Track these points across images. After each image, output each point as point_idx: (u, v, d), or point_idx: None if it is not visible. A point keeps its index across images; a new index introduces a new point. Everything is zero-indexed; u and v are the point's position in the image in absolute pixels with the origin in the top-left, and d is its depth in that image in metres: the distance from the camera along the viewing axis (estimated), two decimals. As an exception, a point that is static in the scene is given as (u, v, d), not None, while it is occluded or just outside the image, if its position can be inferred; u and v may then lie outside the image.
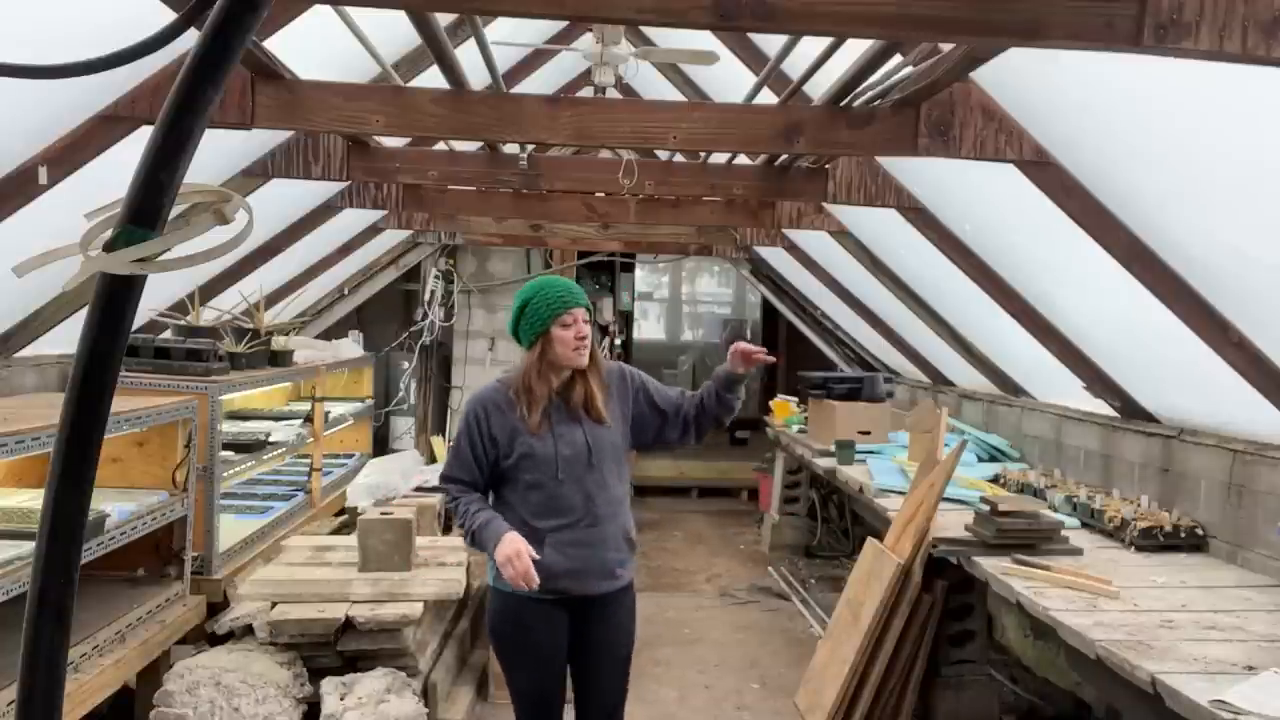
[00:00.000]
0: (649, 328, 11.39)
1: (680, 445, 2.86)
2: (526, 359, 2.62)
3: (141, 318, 4.57)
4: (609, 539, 2.65)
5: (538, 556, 2.48)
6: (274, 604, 3.87)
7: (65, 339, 4.07)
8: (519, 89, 5.34)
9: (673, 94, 5.81)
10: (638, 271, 10.53)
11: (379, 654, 3.76)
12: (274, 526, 4.95)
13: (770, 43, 3.98)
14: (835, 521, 7.31)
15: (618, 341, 9.55)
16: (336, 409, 6.26)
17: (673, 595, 6.18)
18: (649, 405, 2.78)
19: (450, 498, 2.67)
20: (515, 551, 2.45)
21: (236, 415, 5.48)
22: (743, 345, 2.75)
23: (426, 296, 8.43)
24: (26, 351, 4.02)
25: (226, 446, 4.53)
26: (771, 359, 2.81)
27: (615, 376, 2.76)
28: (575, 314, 2.59)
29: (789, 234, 6.38)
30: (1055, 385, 4.60)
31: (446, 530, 6.62)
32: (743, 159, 4.67)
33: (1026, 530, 3.49)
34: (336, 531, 5.48)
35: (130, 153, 2.00)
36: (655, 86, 6.13)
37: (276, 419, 5.59)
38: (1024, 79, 2.83)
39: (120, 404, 3.40)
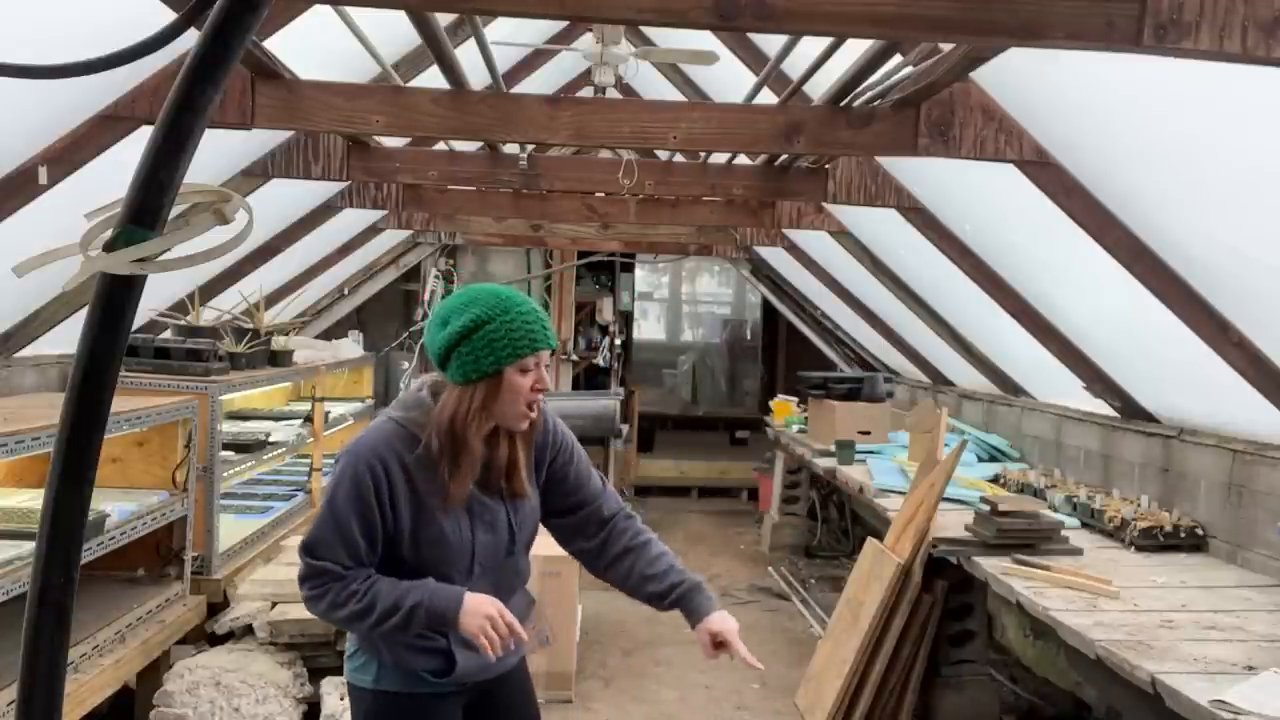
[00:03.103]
0: (649, 328, 11.38)
1: (562, 547, 2.17)
2: (457, 400, 1.86)
3: (141, 318, 4.57)
4: (517, 616, 1.97)
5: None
6: (274, 604, 3.88)
7: (65, 339, 4.07)
8: (519, 89, 5.34)
9: (673, 94, 5.81)
10: (638, 271, 10.52)
11: (379, 654, 3.76)
12: (274, 526, 4.95)
13: (770, 43, 3.98)
14: (835, 521, 7.31)
15: (618, 341, 9.54)
16: (336, 409, 6.25)
17: (673, 595, 6.17)
18: (562, 482, 2.08)
19: (320, 586, 1.84)
20: (496, 613, 1.86)
21: (236, 415, 5.47)
22: (728, 644, 2.02)
23: (426, 296, 8.43)
24: (26, 351, 4.02)
25: (226, 446, 4.53)
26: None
27: (539, 428, 2.04)
28: (541, 357, 1.88)
29: (789, 234, 6.38)
30: (1055, 385, 4.60)
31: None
32: (743, 159, 4.67)
33: (1026, 530, 3.49)
34: (336, 531, 5.47)
35: (130, 153, 2.01)
36: (655, 86, 6.13)
37: (276, 419, 5.58)
38: (1024, 79, 2.83)
39: (120, 404, 3.40)
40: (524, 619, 2.03)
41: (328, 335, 7.46)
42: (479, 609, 1.85)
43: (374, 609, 1.83)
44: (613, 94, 5.15)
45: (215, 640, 3.92)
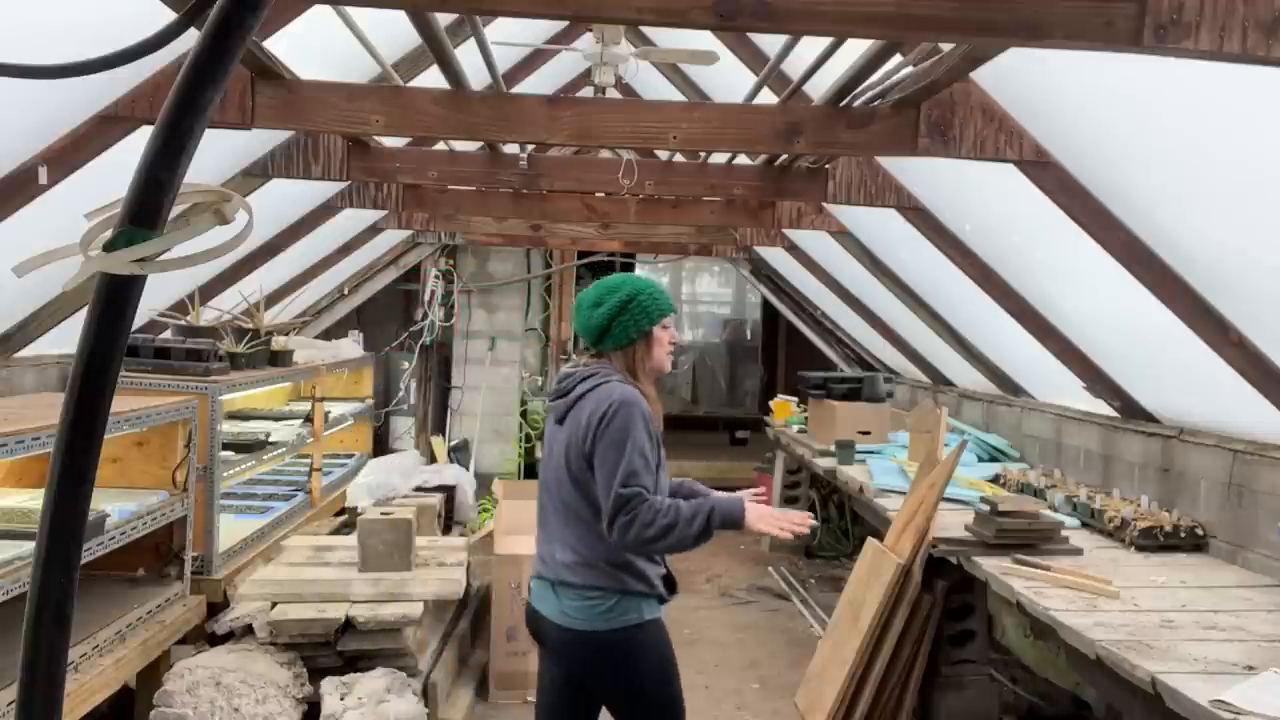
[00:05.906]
0: (649, 328, 11.37)
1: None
2: (626, 356, 2.55)
3: (141, 318, 4.57)
4: None
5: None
6: (274, 604, 3.87)
7: (65, 339, 4.07)
8: (519, 89, 5.34)
9: (673, 94, 5.81)
10: (638, 271, 10.52)
11: (379, 654, 3.76)
12: (274, 526, 4.95)
13: (770, 43, 3.98)
14: (835, 521, 7.31)
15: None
16: (336, 409, 6.25)
17: (673, 595, 6.17)
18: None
19: (630, 512, 2.37)
20: (768, 511, 2.61)
21: (236, 415, 5.47)
22: None
23: (426, 296, 8.43)
24: (26, 351, 4.02)
25: (226, 446, 4.53)
26: None
27: None
28: (671, 318, 2.64)
29: (789, 234, 6.38)
30: (1055, 385, 4.60)
31: (447, 530, 6.62)
32: (743, 159, 4.67)
33: (1026, 530, 3.49)
34: (336, 531, 5.48)
35: (130, 153, 2.00)
36: (655, 86, 6.13)
37: (276, 419, 5.59)
38: (1024, 79, 2.83)
39: (120, 404, 3.40)
40: None
41: (328, 335, 7.47)
42: (760, 509, 2.62)
43: (679, 519, 2.39)
44: (613, 94, 5.15)
45: (215, 640, 3.92)
